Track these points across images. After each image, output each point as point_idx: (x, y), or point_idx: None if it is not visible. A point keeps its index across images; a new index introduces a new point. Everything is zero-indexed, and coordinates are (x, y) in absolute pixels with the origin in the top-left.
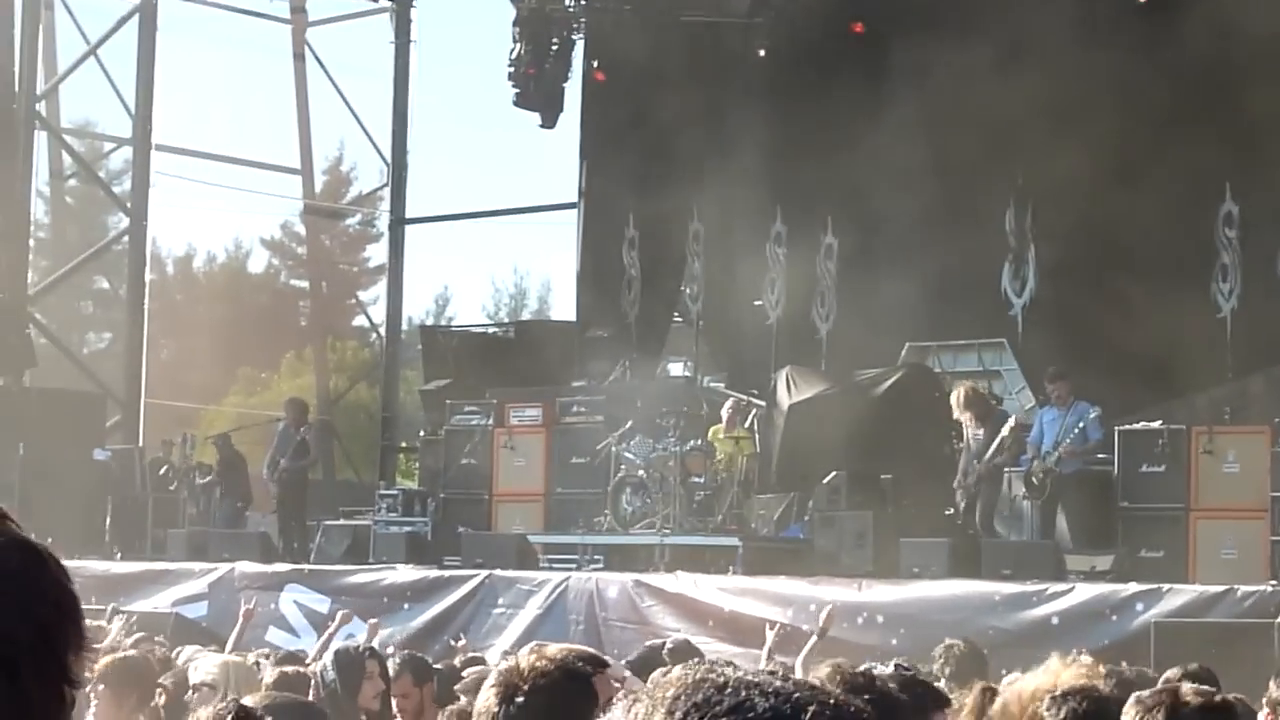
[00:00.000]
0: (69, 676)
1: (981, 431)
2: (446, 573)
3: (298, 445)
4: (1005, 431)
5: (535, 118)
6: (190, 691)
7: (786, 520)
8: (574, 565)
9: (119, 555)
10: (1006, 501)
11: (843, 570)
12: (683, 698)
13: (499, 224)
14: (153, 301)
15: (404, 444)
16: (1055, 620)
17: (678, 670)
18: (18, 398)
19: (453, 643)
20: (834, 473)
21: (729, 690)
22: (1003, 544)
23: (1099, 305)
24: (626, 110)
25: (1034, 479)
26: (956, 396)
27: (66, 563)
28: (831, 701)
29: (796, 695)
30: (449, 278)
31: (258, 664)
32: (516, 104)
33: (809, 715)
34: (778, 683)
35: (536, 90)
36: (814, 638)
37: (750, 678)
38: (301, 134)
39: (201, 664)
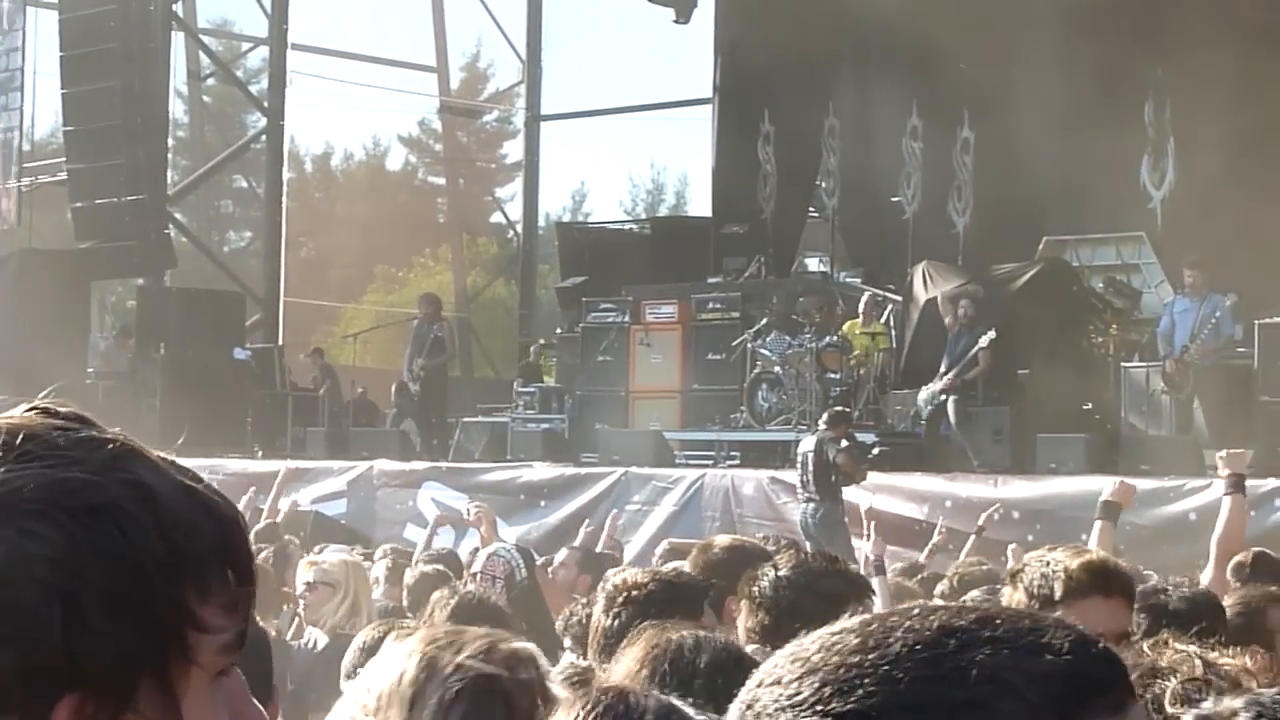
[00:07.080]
0: (189, 618)
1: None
2: (583, 470)
3: (433, 342)
4: (984, 343)
5: (670, 12)
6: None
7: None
8: (710, 462)
9: (259, 453)
10: (1145, 395)
11: (979, 466)
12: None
13: (636, 120)
14: (292, 200)
15: (542, 340)
16: (1193, 516)
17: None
18: (158, 298)
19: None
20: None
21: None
22: (1141, 439)
23: (1238, 197)
24: (760, 4)
25: (1173, 375)
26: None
27: (204, 460)
28: None
29: None
30: (586, 174)
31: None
32: None
33: None
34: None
35: None
36: (972, 536)
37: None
38: (437, 32)
39: (321, 559)
